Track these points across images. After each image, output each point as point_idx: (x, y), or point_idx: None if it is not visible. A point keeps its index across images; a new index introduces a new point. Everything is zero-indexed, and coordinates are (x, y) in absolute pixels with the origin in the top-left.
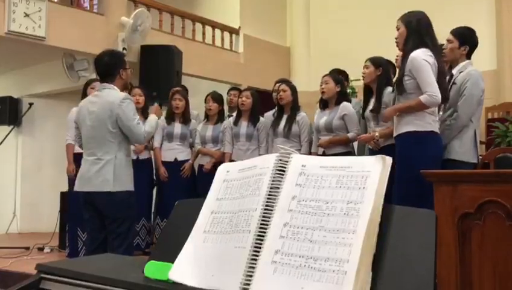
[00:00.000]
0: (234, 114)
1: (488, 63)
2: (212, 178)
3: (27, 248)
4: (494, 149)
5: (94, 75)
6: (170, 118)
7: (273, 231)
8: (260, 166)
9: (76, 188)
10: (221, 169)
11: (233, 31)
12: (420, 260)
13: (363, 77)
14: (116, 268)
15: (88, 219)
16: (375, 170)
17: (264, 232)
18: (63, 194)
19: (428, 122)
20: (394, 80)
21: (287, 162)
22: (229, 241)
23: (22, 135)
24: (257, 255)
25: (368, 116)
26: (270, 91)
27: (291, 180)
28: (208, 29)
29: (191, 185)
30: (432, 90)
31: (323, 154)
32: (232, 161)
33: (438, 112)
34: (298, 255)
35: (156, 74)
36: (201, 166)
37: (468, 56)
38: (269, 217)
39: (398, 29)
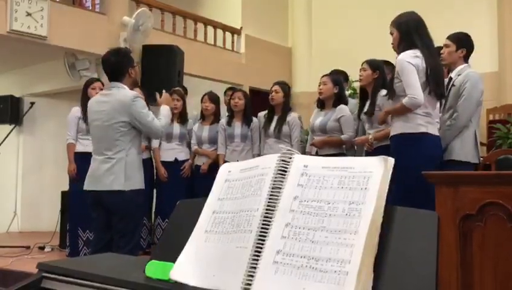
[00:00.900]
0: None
1: (489, 64)
2: (208, 179)
3: (28, 247)
4: (495, 151)
5: (96, 75)
6: None
7: (275, 231)
8: (262, 166)
9: (86, 187)
10: (223, 169)
11: (235, 32)
12: (422, 262)
13: (360, 79)
14: (118, 268)
15: (95, 218)
16: (377, 171)
17: (266, 233)
18: (63, 193)
19: (420, 124)
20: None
21: (289, 162)
22: (230, 241)
23: (23, 134)
24: (259, 256)
25: (363, 119)
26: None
27: (293, 181)
28: (210, 29)
29: (190, 185)
30: (413, 93)
31: (316, 154)
32: (226, 162)
33: (441, 113)
34: (300, 255)
35: (158, 74)
36: (197, 167)
37: (466, 59)
38: (271, 218)
39: (392, 34)
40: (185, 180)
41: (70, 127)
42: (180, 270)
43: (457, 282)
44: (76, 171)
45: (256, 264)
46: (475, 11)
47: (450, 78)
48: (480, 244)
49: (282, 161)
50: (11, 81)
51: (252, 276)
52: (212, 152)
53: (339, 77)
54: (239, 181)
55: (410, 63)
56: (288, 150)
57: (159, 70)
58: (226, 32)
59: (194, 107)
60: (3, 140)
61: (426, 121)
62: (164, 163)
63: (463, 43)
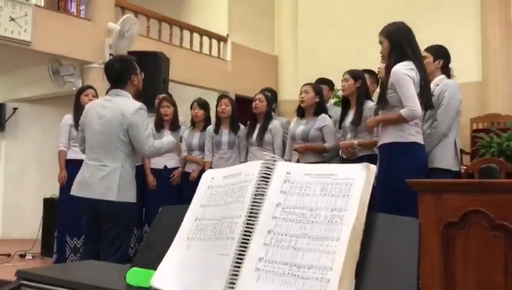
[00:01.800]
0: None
1: (473, 74)
2: (197, 186)
3: (8, 255)
4: (478, 160)
5: (80, 81)
6: (159, 126)
7: (257, 238)
8: (245, 173)
9: (75, 192)
10: (206, 176)
11: (221, 39)
12: (403, 268)
13: (342, 89)
14: (98, 275)
15: (86, 228)
16: (359, 178)
17: (248, 240)
18: (46, 200)
19: (411, 134)
20: (376, 92)
21: (271, 169)
22: (212, 248)
23: (6, 140)
24: (241, 263)
25: (345, 128)
26: None
27: (276, 188)
28: (196, 36)
29: (179, 192)
30: (412, 105)
31: (297, 162)
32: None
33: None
34: (282, 262)
35: (143, 81)
36: (187, 174)
37: (443, 70)
38: (253, 224)
39: (381, 43)
40: (174, 188)
41: (62, 134)
42: (162, 277)
43: (440, 289)
44: (67, 178)
45: (238, 271)
46: (459, 22)
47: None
48: (463, 251)
49: (266, 167)
50: None
51: (233, 283)
52: (201, 159)
53: (319, 86)
54: (222, 188)
55: (407, 75)
56: (272, 157)
57: (144, 77)
58: (212, 40)
59: (179, 114)
60: None
61: (416, 131)
62: (154, 170)
63: (439, 54)
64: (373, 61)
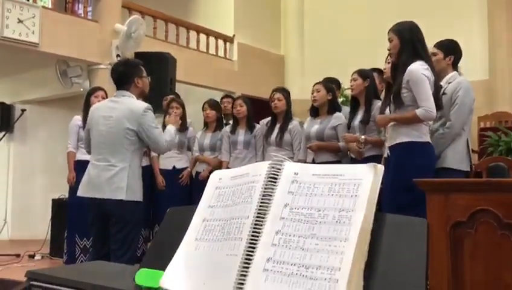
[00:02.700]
0: (230, 122)
1: (480, 72)
2: None
3: (18, 255)
4: (486, 158)
5: (88, 82)
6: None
7: (265, 239)
8: (252, 173)
9: (83, 193)
10: (214, 176)
11: (228, 39)
12: (412, 269)
13: (351, 88)
14: (107, 276)
15: (94, 229)
16: (367, 178)
17: (256, 240)
18: (54, 201)
19: (424, 133)
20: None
21: (279, 169)
22: (220, 249)
23: (14, 142)
24: (249, 263)
25: (355, 127)
26: (264, 99)
27: (284, 188)
28: (202, 37)
29: (188, 193)
30: (429, 106)
31: (313, 162)
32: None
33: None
34: (290, 263)
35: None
36: (198, 173)
37: (454, 66)
38: (261, 225)
39: (390, 41)
40: (183, 188)
41: (71, 136)
42: (170, 278)
43: (448, 289)
44: (76, 179)
45: (247, 272)
46: (466, 20)
47: (440, 87)
48: (471, 251)
49: (273, 168)
50: (2, 88)
51: (242, 284)
52: (212, 159)
53: (331, 84)
54: (229, 188)
55: (425, 76)
56: (277, 156)
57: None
58: (219, 40)
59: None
60: None
61: (427, 131)
62: (162, 171)
63: (450, 50)
64: (381, 60)
